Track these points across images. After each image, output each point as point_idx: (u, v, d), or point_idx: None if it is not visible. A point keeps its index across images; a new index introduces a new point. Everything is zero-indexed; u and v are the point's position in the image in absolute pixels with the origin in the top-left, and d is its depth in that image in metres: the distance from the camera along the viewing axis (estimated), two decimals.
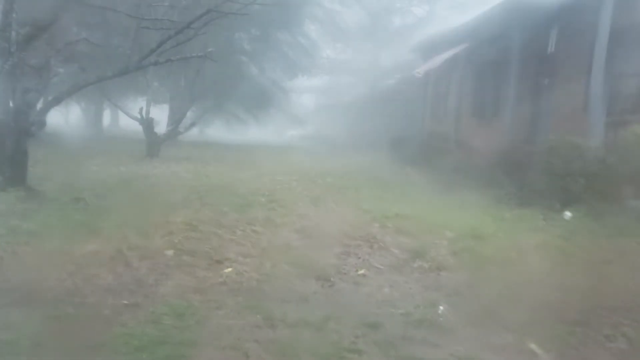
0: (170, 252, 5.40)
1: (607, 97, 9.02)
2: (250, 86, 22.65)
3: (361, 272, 5.16)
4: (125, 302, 4.11)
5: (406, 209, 7.97)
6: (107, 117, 30.66)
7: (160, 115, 21.36)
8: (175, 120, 18.67)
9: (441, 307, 4.32)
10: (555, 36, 10.53)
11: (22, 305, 3.91)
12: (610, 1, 8.69)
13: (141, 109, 15.96)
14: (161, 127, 18.25)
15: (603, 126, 8.89)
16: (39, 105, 8.58)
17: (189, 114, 19.89)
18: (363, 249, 5.93)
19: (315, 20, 26.00)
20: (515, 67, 11.60)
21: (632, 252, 6.00)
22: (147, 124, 15.59)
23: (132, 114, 16.92)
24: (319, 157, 18.30)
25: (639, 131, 7.60)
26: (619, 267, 5.48)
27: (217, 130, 28.72)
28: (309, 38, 26.14)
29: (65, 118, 28.49)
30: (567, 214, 7.57)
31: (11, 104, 7.73)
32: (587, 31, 9.22)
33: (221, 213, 7.36)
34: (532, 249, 6.11)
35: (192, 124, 20.09)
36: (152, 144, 15.30)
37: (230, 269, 5.00)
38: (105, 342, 3.45)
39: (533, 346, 3.69)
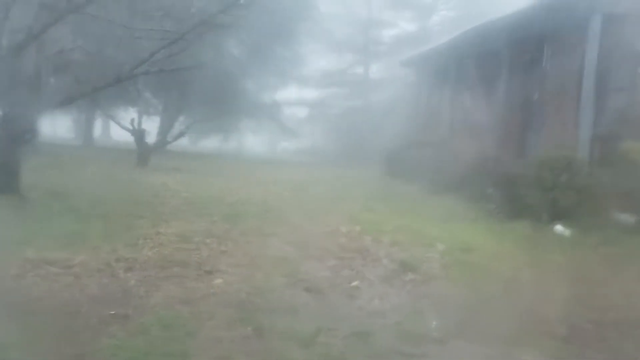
0: (160, 263, 5.36)
1: (596, 112, 9.12)
2: (243, 97, 22.69)
3: (354, 284, 5.14)
4: (114, 313, 4.06)
5: (399, 221, 7.98)
6: (98, 127, 30.59)
7: (153, 127, 21.38)
8: (164, 130, 18.67)
9: (432, 319, 4.31)
10: (546, 52, 10.66)
11: (9, 314, 3.86)
12: (598, 19, 8.85)
13: (133, 120, 15.98)
14: (153, 138, 18.24)
15: (592, 140, 8.98)
16: (31, 114, 8.54)
17: (180, 124, 19.88)
18: (356, 261, 5.91)
19: (307, 32, 26.10)
20: (506, 81, 11.73)
21: (619, 265, 6.04)
22: (139, 134, 15.59)
23: (124, 125, 16.94)
24: (311, 168, 18.32)
25: (628, 147, 7.67)
26: (606, 281, 5.52)
27: (209, 141, 28.67)
28: (302, 50, 26.26)
29: (56, 127, 28.38)
30: (558, 228, 7.61)
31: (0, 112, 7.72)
32: (577, 47, 9.35)
33: (212, 224, 7.34)
34: (522, 262, 6.12)
35: (181, 134, 20.08)
36: (143, 154, 15.28)
37: (220, 280, 4.97)
38: (94, 353, 3.41)
39: (523, 358, 3.69)
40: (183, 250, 5.89)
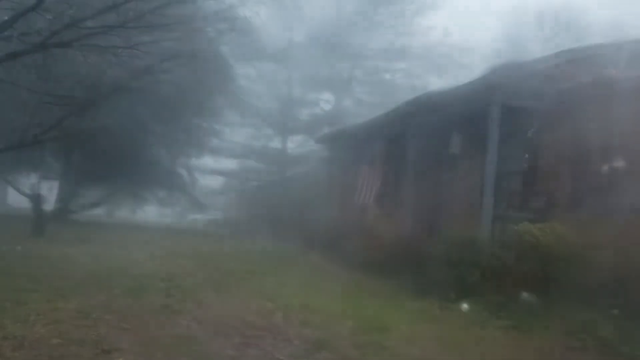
0: (55, 341, 4.92)
1: (496, 194, 9.70)
2: (154, 166, 22.19)
3: None
4: None
5: (311, 298, 7.88)
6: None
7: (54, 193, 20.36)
8: (64, 197, 17.75)
9: None
10: (454, 137, 11.35)
11: None
12: (497, 109, 9.63)
13: (33, 185, 15.11)
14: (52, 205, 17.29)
15: (494, 221, 9.49)
16: None
17: (86, 192, 19.05)
18: (266, 340, 5.70)
19: (226, 104, 26.39)
20: (417, 162, 12.29)
21: (520, 347, 6.23)
22: (36, 200, 14.66)
23: (22, 190, 15.95)
24: (223, 241, 17.95)
25: (525, 228, 8.15)
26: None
27: (118, 211, 27.61)
28: (218, 121, 26.37)
29: None
30: (464, 306, 7.81)
31: None
32: (480, 134, 10.03)
33: (115, 299, 6.91)
34: (431, 340, 6.19)
35: (94, 204, 19.22)
36: (39, 222, 14.32)
37: None
38: None
39: None
40: (81, 327, 5.45)
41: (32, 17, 8.78)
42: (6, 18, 8.88)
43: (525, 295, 7.61)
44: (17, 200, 20.98)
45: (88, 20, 8.88)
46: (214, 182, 34.70)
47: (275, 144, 32.32)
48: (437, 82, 26.63)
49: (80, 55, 9.46)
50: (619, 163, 8.11)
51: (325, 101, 32.88)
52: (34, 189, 14.96)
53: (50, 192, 19.53)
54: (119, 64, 9.87)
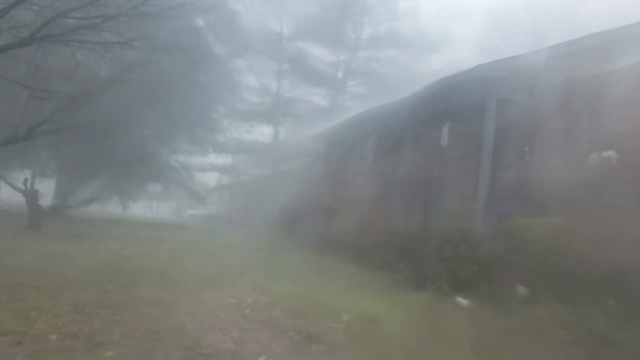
0: (53, 337, 4.92)
1: (491, 187, 9.69)
2: (150, 162, 22.10)
3: (261, 358, 4.92)
4: None
5: (306, 291, 7.88)
6: None
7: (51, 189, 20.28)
8: (62, 193, 17.63)
9: None
10: (447, 132, 11.34)
11: None
12: (494, 103, 9.60)
13: (26, 180, 14.99)
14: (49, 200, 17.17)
15: (487, 214, 9.48)
16: None
17: (82, 187, 18.95)
18: (263, 334, 5.69)
19: (221, 100, 26.31)
20: (411, 156, 12.28)
21: (512, 336, 6.25)
22: (31, 196, 14.59)
23: (15, 185, 15.85)
24: (217, 236, 17.94)
25: (517, 222, 8.16)
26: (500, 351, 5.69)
27: (114, 207, 27.55)
28: (214, 117, 26.29)
29: None
30: (460, 300, 7.82)
31: None
32: (475, 127, 10.02)
33: (109, 293, 6.89)
34: (423, 333, 6.20)
35: (90, 200, 19.09)
36: (35, 218, 14.25)
37: (111, 352, 4.61)
38: None
39: None
40: (75, 322, 5.43)
41: (22, 10, 8.68)
42: None
43: (518, 288, 7.62)
44: (9, 195, 20.85)
45: (77, 11, 8.79)
46: (209, 177, 34.64)
47: (268, 138, 32.23)
48: (429, 69, 26.33)
49: (69, 50, 9.38)
50: (614, 156, 8.11)
51: (318, 95, 32.77)
52: (26, 184, 14.85)
53: (46, 188, 19.42)
54: (111, 58, 9.80)
